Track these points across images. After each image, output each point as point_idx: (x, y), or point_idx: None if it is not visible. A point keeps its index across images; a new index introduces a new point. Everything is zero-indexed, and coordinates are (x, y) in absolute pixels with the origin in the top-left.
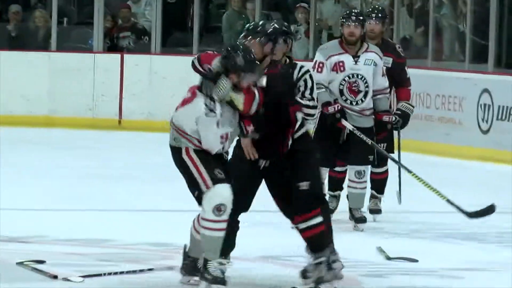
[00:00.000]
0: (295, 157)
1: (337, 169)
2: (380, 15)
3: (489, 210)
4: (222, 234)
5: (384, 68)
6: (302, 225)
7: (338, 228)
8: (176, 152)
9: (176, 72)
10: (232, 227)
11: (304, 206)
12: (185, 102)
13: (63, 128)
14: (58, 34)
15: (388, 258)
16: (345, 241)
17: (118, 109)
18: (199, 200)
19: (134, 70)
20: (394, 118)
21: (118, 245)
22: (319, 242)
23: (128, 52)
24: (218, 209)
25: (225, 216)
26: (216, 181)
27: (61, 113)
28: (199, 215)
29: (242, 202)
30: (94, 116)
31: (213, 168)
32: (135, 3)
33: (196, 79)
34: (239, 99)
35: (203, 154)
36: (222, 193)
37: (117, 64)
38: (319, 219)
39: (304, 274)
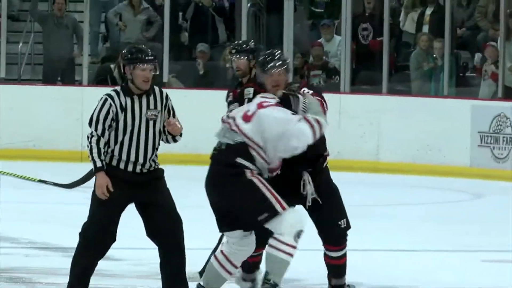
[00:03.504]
0: (325, 191)
1: None
2: None
3: (88, 176)
4: (292, 260)
5: None
6: (334, 254)
7: None
8: (235, 173)
9: (365, 111)
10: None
11: (340, 240)
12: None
13: None
14: None
15: None
16: None
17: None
18: (262, 223)
19: None
20: None
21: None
22: (343, 269)
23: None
24: (299, 235)
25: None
26: (288, 205)
27: None
28: (222, 250)
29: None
30: None
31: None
32: (328, 41)
33: (384, 117)
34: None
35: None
36: (301, 219)
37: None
38: (345, 250)
39: None
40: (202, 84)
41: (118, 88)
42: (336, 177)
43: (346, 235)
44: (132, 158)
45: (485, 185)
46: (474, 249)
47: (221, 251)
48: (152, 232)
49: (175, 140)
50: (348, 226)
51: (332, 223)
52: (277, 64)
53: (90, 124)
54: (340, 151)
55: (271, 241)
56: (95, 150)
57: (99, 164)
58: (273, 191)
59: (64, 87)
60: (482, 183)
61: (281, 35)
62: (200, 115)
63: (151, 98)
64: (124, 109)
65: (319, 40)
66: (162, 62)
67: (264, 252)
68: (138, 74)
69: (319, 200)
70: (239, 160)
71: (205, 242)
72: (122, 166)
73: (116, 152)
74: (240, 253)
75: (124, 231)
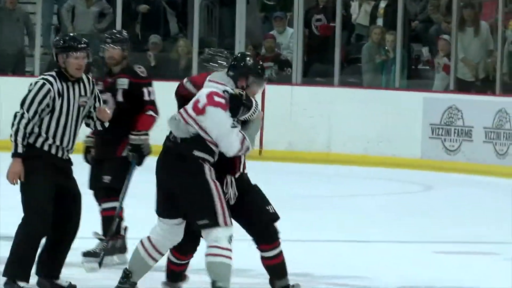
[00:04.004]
0: (247, 188)
1: None
2: None
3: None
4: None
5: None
6: (270, 253)
7: None
8: (195, 170)
9: (316, 103)
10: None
11: (272, 237)
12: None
13: None
14: (199, 64)
15: None
16: (485, 272)
17: (259, 140)
18: (199, 226)
19: (275, 101)
20: None
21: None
22: (283, 269)
23: (270, 82)
24: (231, 238)
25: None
26: (231, 222)
27: None
28: (149, 237)
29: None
30: None
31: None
32: (281, 33)
33: (334, 110)
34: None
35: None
36: (232, 228)
37: (258, 94)
38: (279, 250)
39: None
40: (153, 75)
41: (53, 73)
42: (287, 168)
43: (277, 232)
44: (64, 144)
45: (436, 177)
46: (425, 241)
47: (148, 238)
48: (60, 217)
49: (103, 126)
50: (275, 215)
51: (260, 221)
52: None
53: (22, 105)
54: (292, 142)
55: (208, 250)
56: (20, 134)
57: (20, 150)
58: (224, 202)
59: (15, 77)
60: (433, 175)
61: (233, 27)
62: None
63: (82, 85)
64: (61, 95)
65: (271, 32)
66: None
67: (205, 263)
68: (72, 62)
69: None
70: (196, 152)
71: None
72: (53, 151)
73: (49, 137)
74: (167, 242)
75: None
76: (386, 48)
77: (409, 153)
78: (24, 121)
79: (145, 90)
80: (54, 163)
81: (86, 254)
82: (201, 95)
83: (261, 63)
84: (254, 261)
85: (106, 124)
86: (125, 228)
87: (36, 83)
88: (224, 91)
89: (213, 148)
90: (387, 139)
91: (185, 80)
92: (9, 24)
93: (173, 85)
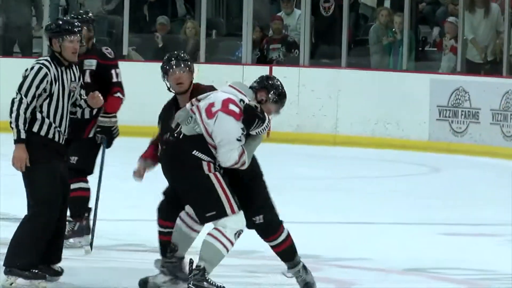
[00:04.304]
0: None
1: None
2: None
3: None
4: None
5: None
6: (274, 243)
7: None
8: (195, 165)
9: (324, 85)
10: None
11: (267, 233)
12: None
13: None
14: (207, 46)
15: None
16: (491, 254)
17: None
18: (208, 219)
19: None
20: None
21: (266, 257)
22: (290, 252)
23: (277, 64)
24: (239, 234)
25: None
26: (238, 207)
27: None
28: (186, 212)
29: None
30: None
31: (232, 192)
32: (288, 14)
33: (341, 92)
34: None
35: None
36: (243, 220)
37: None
38: (285, 234)
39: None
40: (161, 56)
41: (48, 58)
42: (295, 150)
43: (279, 223)
44: (62, 129)
45: (443, 158)
46: (431, 222)
47: (186, 212)
48: None
49: (91, 113)
50: (265, 221)
51: (251, 222)
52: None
53: (20, 89)
54: (299, 124)
55: (212, 231)
56: (21, 120)
57: (23, 135)
58: (227, 190)
59: (24, 59)
60: (441, 157)
61: (241, 8)
62: (159, 87)
63: (72, 70)
64: (57, 80)
65: (279, 14)
66: (122, 35)
67: (203, 240)
68: (67, 46)
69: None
70: (196, 153)
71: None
72: (56, 138)
73: (52, 122)
74: None
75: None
76: (394, 30)
77: (416, 135)
78: (23, 106)
79: (113, 72)
80: (57, 150)
81: None
82: (217, 100)
83: (285, 91)
84: (255, 243)
85: (95, 111)
86: (89, 210)
87: (32, 68)
88: (240, 100)
89: (214, 152)
90: (394, 121)
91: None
92: (17, 5)
93: None
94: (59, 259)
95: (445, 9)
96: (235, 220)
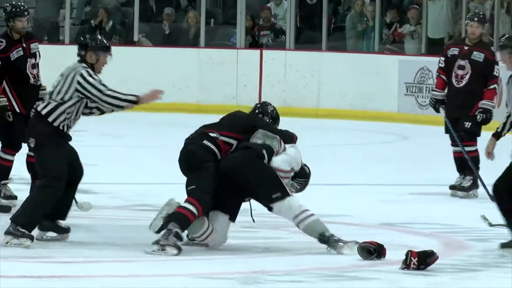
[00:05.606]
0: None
1: None
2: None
3: None
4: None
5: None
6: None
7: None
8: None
9: (307, 65)
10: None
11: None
12: None
13: (211, 114)
14: (206, 33)
15: (491, 225)
16: (453, 210)
17: (258, 97)
18: (273, 200)
19: (271, 64)
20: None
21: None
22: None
23: (266, 48)
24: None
25: None
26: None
27: (209, 101)
28: None
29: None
30: (237, 103)
31: None
32: (278, 5)
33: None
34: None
35: None
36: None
37: (257, 58)
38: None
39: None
40: (167, 42)
41: (85, 65)
42: (282, 122)
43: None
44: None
45: (410, 128)
46: (403, 183)
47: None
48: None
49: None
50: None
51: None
52: None
53: (99, 89)
54: (286, 99)
55: (296, 219)
56: (118, 93)
57: (132, 97)
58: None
59: (49, 45)
60: (408, 127)
61: (235, 0)
62: (167, 69)
63: None
64: None
65: (268, 5)
66: (133, 24)
67: (301, 230)
68: (102, 61)
69: None
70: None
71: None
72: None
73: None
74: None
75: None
76: (366, 18)
77: (387, 108)
78: (110, 91)
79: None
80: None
81: None
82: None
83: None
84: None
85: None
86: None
87: (86, 72)
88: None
89: None
90: (368, 96)
91: None
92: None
93: (185, 51)
94: (64, 217)
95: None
96: (297, 205)
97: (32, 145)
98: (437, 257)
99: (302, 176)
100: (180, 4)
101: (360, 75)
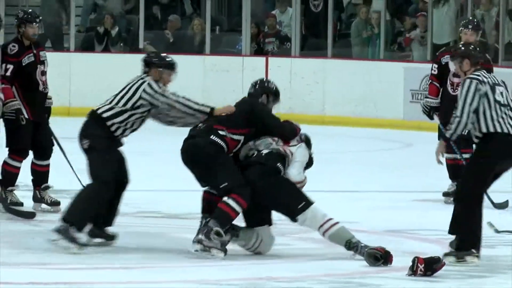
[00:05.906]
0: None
1: None
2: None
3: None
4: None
5: None
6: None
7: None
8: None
9: (312, 72)
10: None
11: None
12: None
13: None
14: (211, 40)
15: (497, 231)
16: None
17: None
18: (299, 212)
19: (276, 71)
20: None
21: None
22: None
23: (272, 55)
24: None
25: None
26: None
27: None
28: None
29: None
30: None
31: None
32: (283, 12)
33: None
34: None
35: None
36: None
37: (262, 65)
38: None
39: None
40: (171, 50)
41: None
42: None
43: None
44: None
45: (415, 135)
46: (407, 190)
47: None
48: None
49: None
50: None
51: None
52: None
53: (168, 96)
54: (291, 106)
55: (321, 229)
56: (190, 102)
57: (205, 108)
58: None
59: (54, 52)
60: (413, 134)
61: (240, 7)
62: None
63: None
64: None
65: (273, 12)
66: (138, 31)
67: (327, 239)
68: (167, 80)
69: None
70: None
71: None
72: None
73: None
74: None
75: None
76: (371, 25)
77: (393, 115)
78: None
79: None
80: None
81: None
82: None
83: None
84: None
85: None
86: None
87: (146, 83)
88: None
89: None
90: (373, 103)
91: None
92: (51, 4)
93: (189, 58)
94: (110, 223)
95: (416, 6)
96: (321, 213)
97: (85, 146)
98: (444, 264)
99: (308, 165)
100: (185, 12)
101: (365, 82)
